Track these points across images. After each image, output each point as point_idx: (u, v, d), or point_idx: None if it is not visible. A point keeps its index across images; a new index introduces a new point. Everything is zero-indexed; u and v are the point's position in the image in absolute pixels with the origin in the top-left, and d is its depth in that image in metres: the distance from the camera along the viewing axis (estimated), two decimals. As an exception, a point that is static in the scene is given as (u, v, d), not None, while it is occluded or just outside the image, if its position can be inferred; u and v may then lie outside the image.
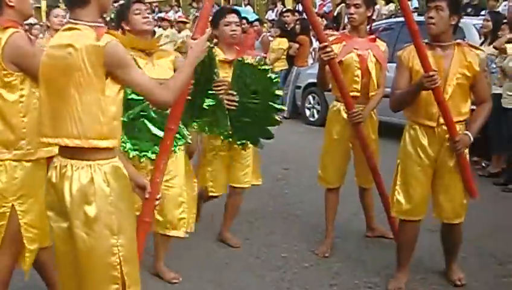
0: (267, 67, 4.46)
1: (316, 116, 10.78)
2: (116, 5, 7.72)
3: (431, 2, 3.83)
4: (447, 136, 3.89)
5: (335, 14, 15.98)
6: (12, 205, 3.21)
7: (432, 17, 3.81)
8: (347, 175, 4.86)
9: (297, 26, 11.91)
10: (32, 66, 2.76)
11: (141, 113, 3.80)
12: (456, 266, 4.30)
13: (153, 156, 3.71)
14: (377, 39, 4.73)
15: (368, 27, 4.70)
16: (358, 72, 4.56)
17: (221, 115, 4.33)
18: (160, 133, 3.58)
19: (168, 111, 3.31)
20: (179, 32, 14.10)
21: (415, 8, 13.84)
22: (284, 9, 15.15)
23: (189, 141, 4.11)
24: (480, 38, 7.89)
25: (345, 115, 4.60)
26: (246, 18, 13.17)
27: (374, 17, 13.09)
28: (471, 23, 8.42)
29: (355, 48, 4.57)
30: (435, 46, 3.91)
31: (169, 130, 3.05)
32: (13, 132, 3.19)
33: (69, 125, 2.57)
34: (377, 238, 5.08)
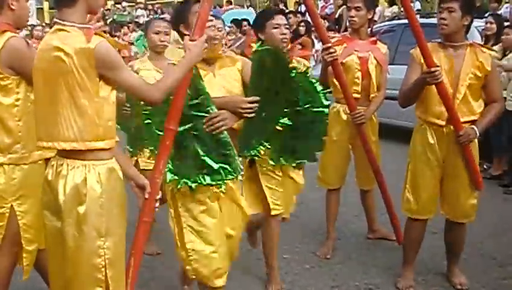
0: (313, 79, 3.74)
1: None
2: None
3: (443, 4, 3.83)
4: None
5: (336, 16, 15.99)
6: (12, 205, 3.21)
7: (444, 18, 3.82)
8: (348, 176, 4.86)
9: (301, 28, 11.91)
10: (29, 70, 2.77)
11: (192, 131, 3.13)
12: (457, 269, 4.29)
13: (194, 185, 3.14)
14: (378, 41, 4.73)
15: (369, 29, 4.72)
16: (359, 74, 4.57)
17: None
18: (209, 161, 3.13)
19: (223, 137, 3.09)
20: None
21: (417, 10, 13.84)
22: (286, 11, 15.17)
23: (241, 177, 3.36)
24: (482, 40, 7.87)
25: (344, 117, 4.62)
26: (247, 20, 13.21)
27: (377, 19, 13.20)
28: (473, 26, 8.39)
29: (356, 50, 4.58)
30: (447, 46, 3.92)
31: (168, 130, 3.04)
32: (8, 136, 3.19)
33: (65, 129, 2.56)
34: (379, 240, 5.08)
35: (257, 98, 3.18)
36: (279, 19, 3.95)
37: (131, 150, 4.40)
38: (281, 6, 18.37)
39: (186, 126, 3.09)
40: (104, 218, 2.61)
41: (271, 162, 3.75)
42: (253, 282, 4.32)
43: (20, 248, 3.29)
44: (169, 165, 3.11)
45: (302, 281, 4.35)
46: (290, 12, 14.31)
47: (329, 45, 4.23)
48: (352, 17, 4.57)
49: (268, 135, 3.46)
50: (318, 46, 11.12)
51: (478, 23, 8.60)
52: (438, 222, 4.26)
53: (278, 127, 3.46)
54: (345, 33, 5.17)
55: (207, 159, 3.12)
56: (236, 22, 13.34)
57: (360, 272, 4.49)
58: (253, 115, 3.18)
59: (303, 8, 15.31)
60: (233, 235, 3.41)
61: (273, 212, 3.96)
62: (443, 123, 3.91)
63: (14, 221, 3.23)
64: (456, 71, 3.87)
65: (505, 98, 6.69)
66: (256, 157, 3.66)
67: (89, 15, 2.75)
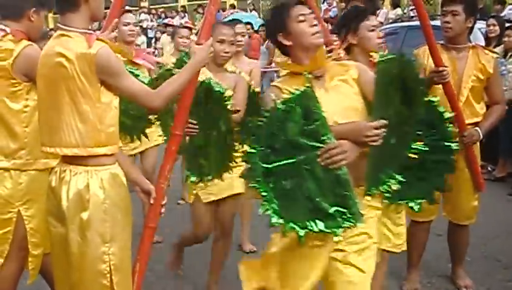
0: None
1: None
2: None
3: (447, 7, 3.84)
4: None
5: (340, 19, 15.98)
6: (19, 210, 3.23)
7: (448, 22, 3.84)
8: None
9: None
10: None
11: (303, 164, 2.52)
12: (462, 271, 4.29)
13: (303, 232, 2.50)
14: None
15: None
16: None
17: None
18: (323, 203, 2.51)
19: (342, 173, 2.49)
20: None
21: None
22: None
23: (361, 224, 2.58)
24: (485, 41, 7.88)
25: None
26: (250, 23, 13.21)
27: (383, 20, 13.20)
28: (476, 27, 8.38)
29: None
30: (450, 48, 3.94)
31: (174, 136, 3.03)
32: (14, 141, 3.21)
33: (66, 135, 2.56)
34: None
35: (385, 121, 2.54)
36: (375, 21, 3.37)
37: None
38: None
39: (297, 158, 2.51)
40: (108, 224, 2.60)
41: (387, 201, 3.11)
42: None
43: (27, 252, 3.31)
44: (274, 205, 2.52)
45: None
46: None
47: (333, 47, 4.23)
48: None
49: (399, 166, 2.82)
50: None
51: (481, 25, 8.63)
52: (442, 224, 4.26)
53: (412, 155, 2.87)
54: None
55: (320, 200, 2.52)
56: (240, 26, 13.34)
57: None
58: (380, 142, 2.55)
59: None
60: None
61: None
62: None
63: (21, 226, 3.24)
64: (458, 73, 3.89)
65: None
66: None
67: (96, 22, 2.76)
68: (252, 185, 2.55)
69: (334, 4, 17.45)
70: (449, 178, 3.95)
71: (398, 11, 15.35)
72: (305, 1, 2.91)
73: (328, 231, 2.52)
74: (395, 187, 2.77)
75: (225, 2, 19.24)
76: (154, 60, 5.12)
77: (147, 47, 16.47)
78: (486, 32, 7.91)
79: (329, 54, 2.95)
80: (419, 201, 3.31)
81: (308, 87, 2.52)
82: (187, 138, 3.42)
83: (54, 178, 2.67)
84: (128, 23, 4.94)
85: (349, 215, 2.51)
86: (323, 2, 17.75)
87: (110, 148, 2.62)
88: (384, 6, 15.08)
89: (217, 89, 3.40)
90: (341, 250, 2.69)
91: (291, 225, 2.51)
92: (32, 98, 3.20)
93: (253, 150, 2.55)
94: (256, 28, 13.80)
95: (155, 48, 16.62)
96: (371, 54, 3.11)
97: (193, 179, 3.62)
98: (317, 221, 2.52)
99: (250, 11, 20.32)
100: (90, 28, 2.68)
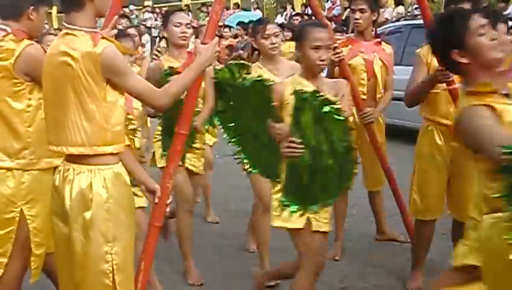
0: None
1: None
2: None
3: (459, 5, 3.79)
4: None
5: (343, 17, 15.97)
6: (21, 209, 3.23)
7: None
8: (356, 177, 4.85)
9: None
10: None
11: None
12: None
13: None
14: (383, 42, 4.76)
15: (373, 31, 4.74)
16: (365, 76, 4.61)
17: None
18: None
19: None
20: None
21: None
22: (294, 13, 15.18)
23: None
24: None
25: (350, 118, 4.62)
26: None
27: (390, 18, 13.17)
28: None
29: (361, 52, 4.61)
30: None
31: (180, 135, 3.03)
32: (17, 141, 3.21)
33: (72, 134, 2.56)
34: (387, 242, 5.07)
35: None
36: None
37: None
38: (289, 7, 18.40)
39: None
40: (111, 223, 2.59)
41: None
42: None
43: (31, 251, 3.31)
44: None
45: (311, 283, 4.35)
46: (297, 14, 14.33)
47: (336, 45, 4.25)
48: (357, 19, 4.60)
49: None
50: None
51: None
52: (446, 223, 4.25)
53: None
54: (351, 35, 5.19)
55: None
56: (244, 25, 13.33)
57: (369, 273, 4.49)
58: None
59: (309, 10, 15.30)
60: None
61: None
62: (451, 123, 3.93)
63: (24, 225, 3.24)
64: None
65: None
66: None
67: (100, 19, 2.75)
68: None
69: (338, 3, 17.42)
70: (453, 177, 3.98)
71: (400, 9, 15.31)
72: (308, 0, 2.91)
73: None
74: None
75: (229, 0, 19.23)
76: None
77: (151, 46, 16.45)
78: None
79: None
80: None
81: None
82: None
83: (58, 177, 2.67)
84: (180, 24, 4.22)
85: None
86: (327, 1, 17.73)
87: (116, 147, 2.63)
88: (388, 5, 15.05)
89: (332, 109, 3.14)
90: None
91: None
92: (35, 98, 3.20)
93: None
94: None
95: (159, 47, 16.61)
96: None
97: (293, 208, 3.22)
98: None
99: (254, 9, 20.29)
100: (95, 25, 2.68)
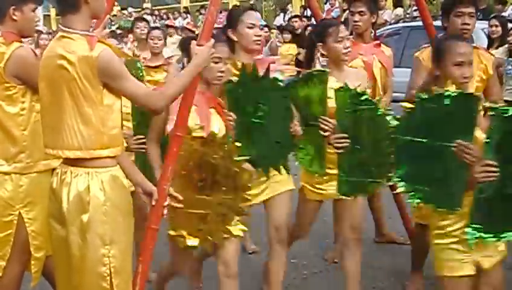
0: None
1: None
2: None
3: (464, 8, 3.77)
4: None
5: (343, 19, 15.97)
6: (20, 212, 3.23)
7: (468, 24, 3.77)
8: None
9: (307, 32, 11.90)
10: (36, 80, 2.78)
11: None
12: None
13: None
14: (382, 44, 4.74)
15: (372, 33, 4.74)
16: (364, 78, 4.58)
17: None
18: None
19: None
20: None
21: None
22: (292, 15, 15.19)
23: None
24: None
25: None
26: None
27: (389, 20, 13.18)
28: (479, 28, 8.38)
29: (360, 54, 4.59)
30: None
31: (176, 137, 3.02)
32: (13, 145, 3.21)
33: (69, 137, 2.56)
34: (386, 244, 5.07)
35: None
36: None
37: None
38: (290, 7, 18.42)
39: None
40: (108, 226, 2.59)
41: None
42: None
43: (30, 255, 3.30)
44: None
45: (310, 285, 4.35)
46: (296, 16, 14.35)
47: None
48: (356, 21, 4.59)
49: None
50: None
51: (484, 25, 8.62)
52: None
53: None
54: (350, 37, 5.18)
55: None
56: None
57: (368, 275, 4.46)
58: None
59: (309, 12, 15.31)
60: None
61: None
62: None
63: (22, 228, 3.24)
64: None
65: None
66: None
67: (94, 21, 2.74)
68: None
69: (337, 5, 17.42)
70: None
71: (398, 11, 15.32)
72: (307, 2, 2.92)
73: None
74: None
75: (227, 3, 19.23)
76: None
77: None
78: (488, 33, 7.89)
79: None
80: None
81: None
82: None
83: (55, 180, 2.67)
84: (254, 25, 3.51)
85: None
86: (326, 3, 17.73)
87: (112, 150, 2.62)
88: (386, 6, 15.05)
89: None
90: None
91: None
92: (28, 101, 3.19)
93: None
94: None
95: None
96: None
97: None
98: None
99: (253, 11, 20.29)
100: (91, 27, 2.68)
